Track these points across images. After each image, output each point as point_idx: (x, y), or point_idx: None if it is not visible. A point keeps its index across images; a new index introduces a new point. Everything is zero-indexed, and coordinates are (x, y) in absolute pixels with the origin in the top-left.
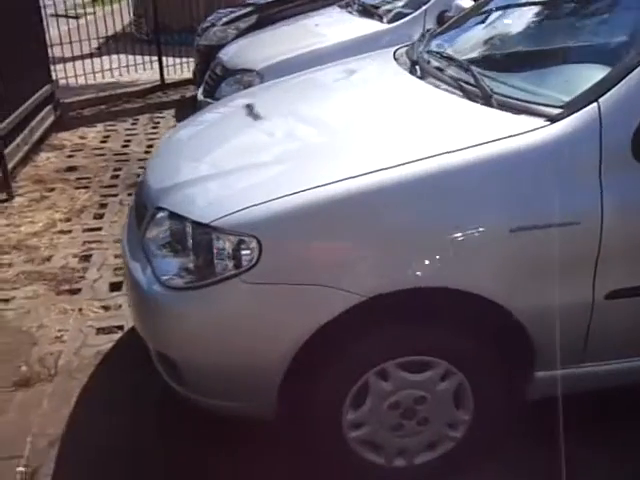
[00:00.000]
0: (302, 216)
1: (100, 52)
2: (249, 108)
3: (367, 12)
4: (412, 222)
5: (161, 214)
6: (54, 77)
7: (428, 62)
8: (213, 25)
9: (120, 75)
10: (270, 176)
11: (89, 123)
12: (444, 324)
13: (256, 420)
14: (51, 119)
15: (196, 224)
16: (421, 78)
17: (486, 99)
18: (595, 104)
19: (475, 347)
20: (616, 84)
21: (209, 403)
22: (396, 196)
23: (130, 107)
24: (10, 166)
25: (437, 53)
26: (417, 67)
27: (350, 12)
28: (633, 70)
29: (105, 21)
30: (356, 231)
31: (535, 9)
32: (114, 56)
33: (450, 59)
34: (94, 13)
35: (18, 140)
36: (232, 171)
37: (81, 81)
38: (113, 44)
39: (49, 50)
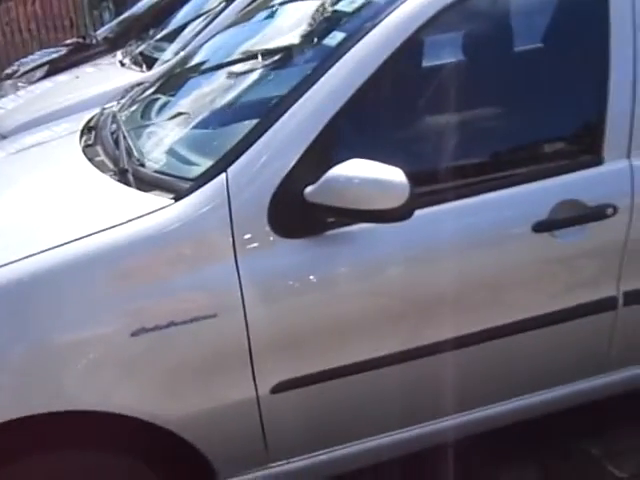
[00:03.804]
0: None
1: None
2: None
3: (136, 61)
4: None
5: None
6: None
7: (106, 127)
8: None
9: None
10: None
11: None
12: (87, 447)
13: None
14: None
15: None
16: (90, 146)
17: (121, 175)
18: (223, 176)
19: (134, 464)
20: (245, 151)
21: None
22: None
23: None
24: None
25: (118, 114)
26: (93, 134)
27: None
28: (262, 135)
29: None
30: None
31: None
32: None
33: (118, 124)
34: None
35: None
36: None
37: None
38: None
39: None
